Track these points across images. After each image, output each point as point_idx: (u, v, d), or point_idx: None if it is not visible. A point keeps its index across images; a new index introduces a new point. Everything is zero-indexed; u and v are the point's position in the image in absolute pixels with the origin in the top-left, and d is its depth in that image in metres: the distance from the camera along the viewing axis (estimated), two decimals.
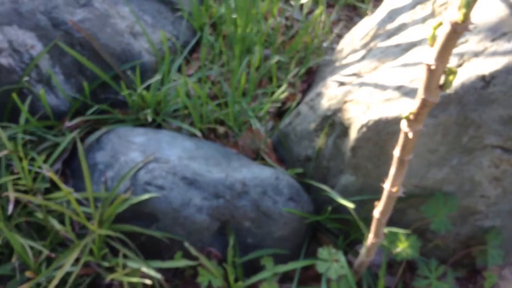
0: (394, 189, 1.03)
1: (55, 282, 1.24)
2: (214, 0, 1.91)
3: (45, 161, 1.50)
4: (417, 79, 1.21)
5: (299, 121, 1.55)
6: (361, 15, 2.23)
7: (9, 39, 1.51)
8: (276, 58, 1.63)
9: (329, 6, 2.22)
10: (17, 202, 1.41)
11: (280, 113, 1.77)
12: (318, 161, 1.50)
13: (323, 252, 1.36)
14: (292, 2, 2.06)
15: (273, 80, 1.60)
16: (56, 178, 1.29)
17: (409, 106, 1.19)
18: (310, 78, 1.84)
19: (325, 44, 1.99)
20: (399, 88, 1.23)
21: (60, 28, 1.58)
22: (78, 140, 1.36)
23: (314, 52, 1.90)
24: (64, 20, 1.59)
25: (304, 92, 1.81)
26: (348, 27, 2.12)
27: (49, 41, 1.56)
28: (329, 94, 1.45)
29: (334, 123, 1.41)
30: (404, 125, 0.89)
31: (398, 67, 1.30)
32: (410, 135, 0.89)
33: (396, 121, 1.20)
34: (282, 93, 1.59)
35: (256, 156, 1.62)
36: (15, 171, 1.46)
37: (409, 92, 1.20)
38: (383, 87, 1.27)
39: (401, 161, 0.97)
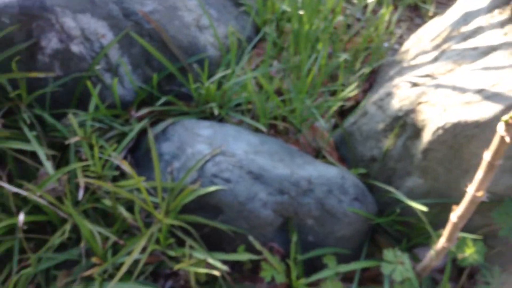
0: (480, 194, 1.01)
1: (124, 269, 1.26)
2: None
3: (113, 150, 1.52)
4: (500, 83, 1.18)
5: (366, 120, 1.53)
6: (422, 16, 2.20)
7: (81, 27, 1.54)
8: (343, 57, 1.62)
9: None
10: (85, 188, 1.44)
11: (341, 112, 1.76)
12: (384, 162, 1.48)
13: (388, 253, 1.34)
14: (354, 0, 2.04)
15: (339, 79, 1.59)
16: (129, 167, 1.31)
17: (491, 110, 1.17)
18: (372, 78, 1.82)
19: (386, 44, 1.97)
20: (480, 92, 1.20)
21: (130, 19, 1.60)
22: (149, 130, 1.38)
23: (375, 52, 1.88)
24: (135, 10, 1.61)
25: (366, 91, 1.79)
26: (409, 28, 2.09)
27: (120, 31, 1.59)
28: (401, 94, 1.43)
29: (405, 124, 1.39)
30: (501, 129, 0.87)
31: (478, 70, 1.27)
32: (507, 139, 0.87)
33: (476, 124, 1.17)
34: (350, 92, 1.58)
35: (317, 154, 1.62)
36: (82, 158, 1.49)
37: (491, 96, 1.17)
38: (462, 90, 1.25)
39: (491, 165, 0.95)
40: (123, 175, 1.50)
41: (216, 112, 1.51)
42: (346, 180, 1.42)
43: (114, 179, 1.50)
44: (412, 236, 1.50)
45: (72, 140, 1.41)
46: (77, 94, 1.57)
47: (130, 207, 1.44)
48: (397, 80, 1.52)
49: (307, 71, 1.56)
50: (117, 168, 1.49)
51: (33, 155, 1.50)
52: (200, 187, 1.37)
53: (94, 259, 1.33)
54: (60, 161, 1.53)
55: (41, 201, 1.33)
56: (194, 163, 1.41)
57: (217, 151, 1.42)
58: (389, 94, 1.47)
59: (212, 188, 1.36)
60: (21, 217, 1.27)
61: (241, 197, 1.36)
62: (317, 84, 1.57)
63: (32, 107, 1.54)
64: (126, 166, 1.31)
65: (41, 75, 1.43)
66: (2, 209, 1.41)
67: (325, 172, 1.42)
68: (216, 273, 1.25)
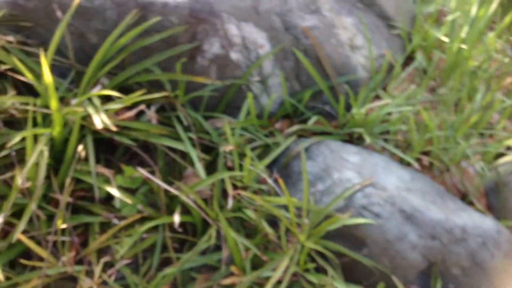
0: None
1: (269, 286, 1.26)
2: (439, 22, 1.83)
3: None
4: None
5: None
6: None
7: (243, 35, 1.55)
8: (509, 102, 1.53)
9: None
10: (226, 196, 1.46)
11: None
12: None
13: None
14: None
15: (500, 122, 1.50)
16: (283, 185, 1.30)
17: None
18: None
19: None
20: None
21: (290, 32, 1.60)
22: (302, 153, 1.37)
23: None
24: (295, 24, 1.60)
25: None
26: None
27: (277, 43, 1.58)
28: None
29: None
30: None
31: None
32: None
33: None
34: None
35: (463, 197, 1.54)
36: (228, 164, 1.50)
37: None
38: None
39: None
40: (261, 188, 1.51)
41: (368, 140, 1.48)
42: (501, 234, 1.35)
43: (255, 191, 1.50)
44: None
45: (227, 148, 1.42)
46: (226, 100, 1.59)
47: (269, 221, 1.44)
48: None
49: (468, 109, 1.49)
50: (260, 180, 1.50)
51: (181, 153, 1.53)
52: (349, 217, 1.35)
53: (233, 269, 1.34)
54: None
55: (190, 202, 1.36)
56: (341, 190, 1.39)
57: (367, 182, 1.39)
58: None
59: (361, 221, 1.33)
60: (177, 218, 1.31)
61: (390, 235, 1.33)
62: (478, 125, 1.49)
63: (183, 107, 1.57)
64: (281, 184, 1.31)
65: (206, 81, 1.45)
66: (149, 203, 1.45)
67: (480, 223, 1.35)
68: None
